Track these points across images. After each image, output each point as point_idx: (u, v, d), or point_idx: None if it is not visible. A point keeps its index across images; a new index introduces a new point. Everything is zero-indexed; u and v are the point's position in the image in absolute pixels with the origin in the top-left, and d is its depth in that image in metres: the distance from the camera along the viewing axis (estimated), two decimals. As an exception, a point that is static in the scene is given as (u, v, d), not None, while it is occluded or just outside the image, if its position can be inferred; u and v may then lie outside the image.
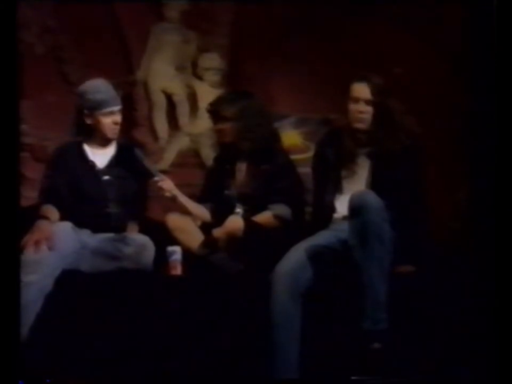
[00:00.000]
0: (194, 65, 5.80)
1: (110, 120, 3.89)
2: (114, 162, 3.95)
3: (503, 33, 3.29)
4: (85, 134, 3.95)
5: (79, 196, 3.85)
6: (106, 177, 3.90)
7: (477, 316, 3.55)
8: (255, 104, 4.09)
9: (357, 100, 3.73)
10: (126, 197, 3.91)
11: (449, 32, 5.22)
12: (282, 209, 3.92)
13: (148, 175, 3.90)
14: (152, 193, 4.00)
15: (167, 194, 3.91)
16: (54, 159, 3.95)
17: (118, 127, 3.92)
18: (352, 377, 3.41)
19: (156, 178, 3.89)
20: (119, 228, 3.86)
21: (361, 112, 3.73)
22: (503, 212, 3.24)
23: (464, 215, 4.75)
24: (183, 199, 3.99)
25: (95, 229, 3.82)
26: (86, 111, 3.88)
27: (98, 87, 3.91)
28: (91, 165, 3.92)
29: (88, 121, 3.90)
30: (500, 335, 3.20)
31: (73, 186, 3.85)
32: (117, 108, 3.91)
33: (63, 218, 3.76)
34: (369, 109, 3.72)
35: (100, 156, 3.95)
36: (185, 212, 3.99)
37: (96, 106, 3.87)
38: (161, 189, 3.89)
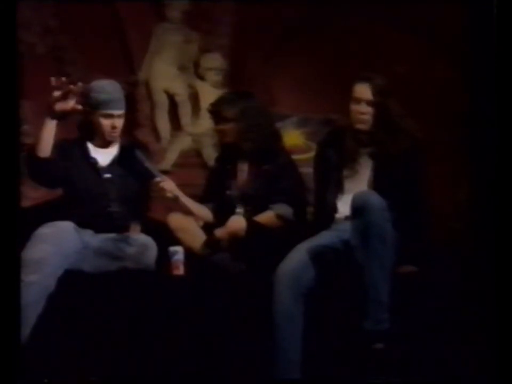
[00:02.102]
0: (196, 65, 5.80)
1: (109, 123, 3.85)
2: (116, 162, 3.96)
3: (503, 33, 3.29)
4: (88, 132, 3.94)
5: (80, 191, 3.85)
6: (107, 175, 3.90)
7: (478, 315, 3.56)
8: (256, 104, 4.09)
9: (358, 101, 3.72)
10: (127, 197, 3.90)
11: (449, 32, 5.23)
12: (284, 209, 3.92)
13: (150, 176, 3.90)
14: (154, 193, 4.00)
15: (169, 194, 3.90)
16: (56, 151, 3.93)
17: (116, 131, 3.89)
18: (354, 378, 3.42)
19: (157, 179, 3.90)
20: (121, 228, 3.86)
21: (362, 113, 3.72)
22: (503, 212, 3.24)
23: (465, 215, 4.76)
24: (185, 200, 3.99)
25: (97, 229, 3.82)
26: (88, 109, 3.87)
27: (103, 87, 3.88)
28: (93, 161, 3.91)
29: (90, 119, 3.89)
30: (500, 335, 3.21)
31: (74, 181, 3.85)
32: (118, 112, 3.86)
33: (65, 218, 3.76)
34: (370, 110, 3.71)
35: (102, 155, 3.94)
36: (187, 212, 3.99)
37: (97, 106, 3.85)
38: (163, 189, 3.89)
